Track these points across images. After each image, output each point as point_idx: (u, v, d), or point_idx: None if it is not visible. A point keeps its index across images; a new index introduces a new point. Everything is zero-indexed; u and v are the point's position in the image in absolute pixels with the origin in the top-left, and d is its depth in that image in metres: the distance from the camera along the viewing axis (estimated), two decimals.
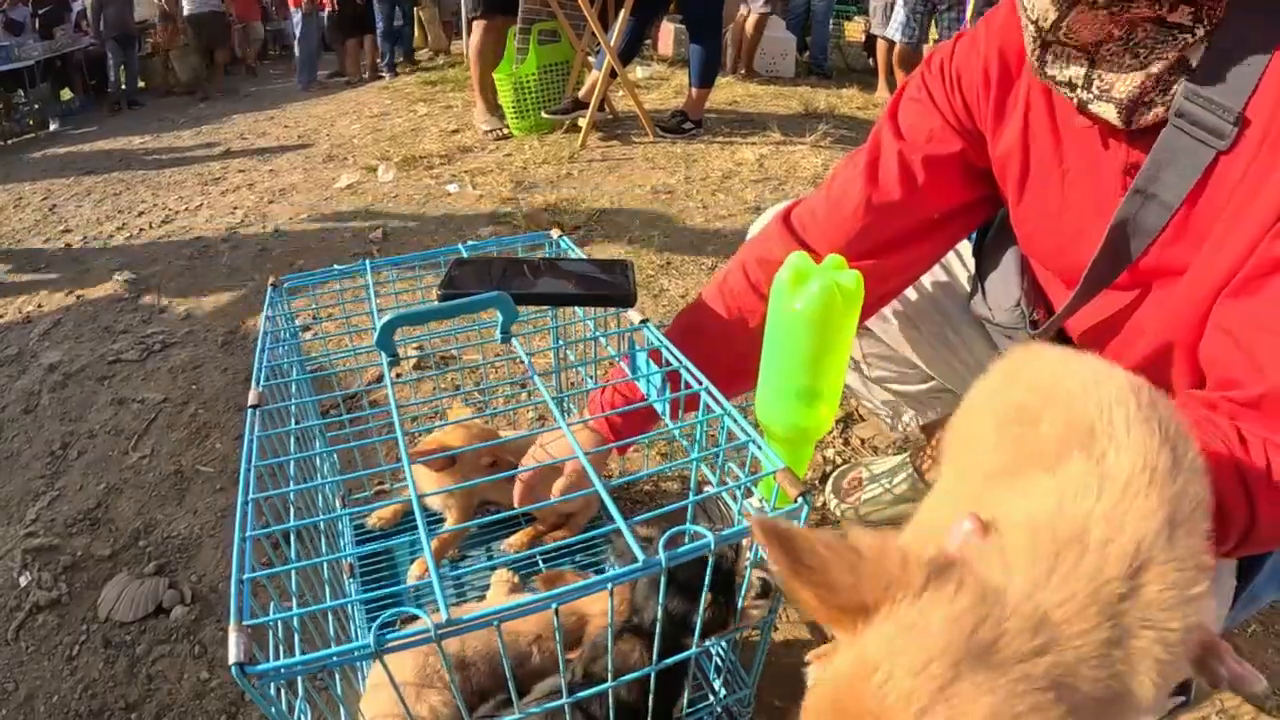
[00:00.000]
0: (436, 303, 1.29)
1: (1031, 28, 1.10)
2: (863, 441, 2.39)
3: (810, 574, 0.61)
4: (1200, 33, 1.00)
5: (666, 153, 5.25)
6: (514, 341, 1.28)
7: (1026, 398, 0.82)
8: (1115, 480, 0.66)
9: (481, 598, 1.71)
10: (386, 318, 1.19)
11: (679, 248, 3.73)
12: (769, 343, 1.24)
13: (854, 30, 11.09)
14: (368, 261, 1.67)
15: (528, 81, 5.61)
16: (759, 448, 1.15)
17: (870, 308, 1.48)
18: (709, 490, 1.35)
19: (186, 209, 4.93)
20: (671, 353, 1.33)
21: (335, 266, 1.70)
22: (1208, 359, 1.07)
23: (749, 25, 8.05)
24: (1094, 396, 0.74)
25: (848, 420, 2.46)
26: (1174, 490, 0.66)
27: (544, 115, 5.61)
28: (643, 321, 1.43)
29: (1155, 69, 1.03)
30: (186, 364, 2.94)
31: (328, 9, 11.43)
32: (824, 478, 2.22)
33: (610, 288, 1.43)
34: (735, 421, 1.19)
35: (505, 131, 5.77)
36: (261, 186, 5.24)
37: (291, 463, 1.25)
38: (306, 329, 2.18)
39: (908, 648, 0.56)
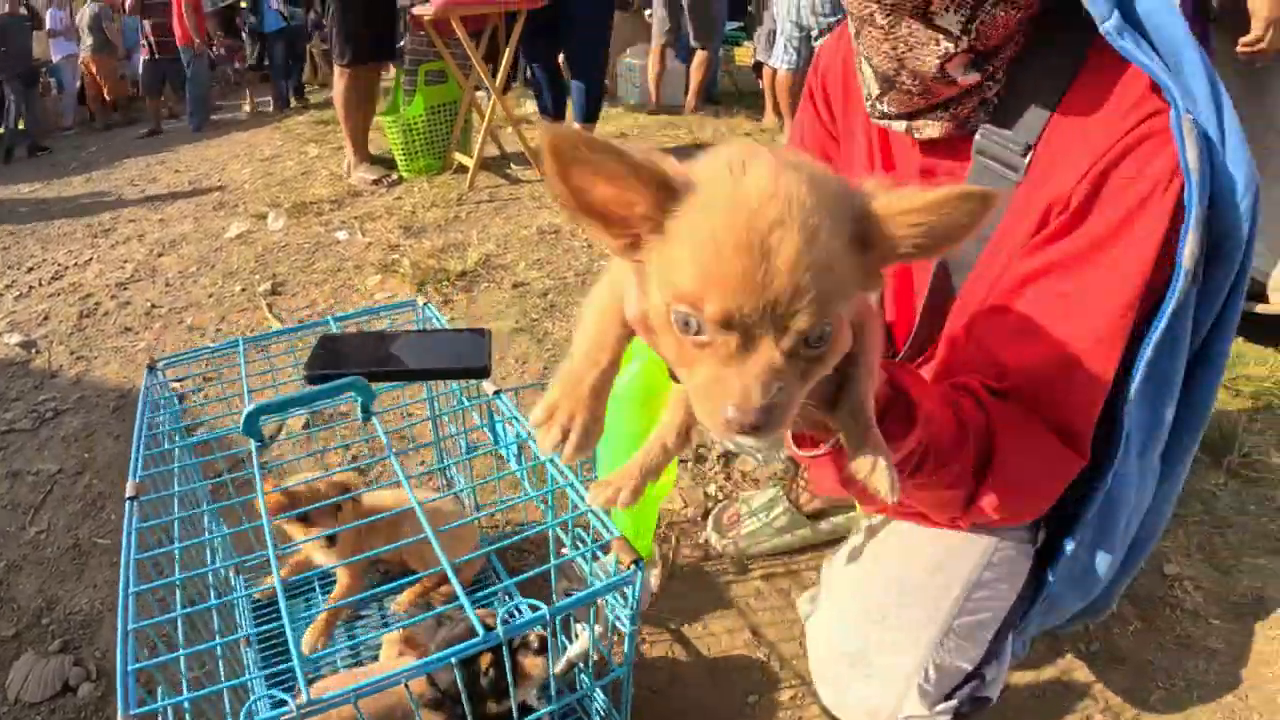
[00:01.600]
0: (296, 392, 1.37)
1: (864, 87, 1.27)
2: (743, 475, 2.48)
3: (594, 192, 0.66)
4: (993, 89, 1.17)
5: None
6: (374, 420, 1.37)
7: None
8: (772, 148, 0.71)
9: (375, 658, 1.77)
10: (249, 408, 1.27)
11: (563, 289, 3.81)
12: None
13: (744, 55, 11.25)
14: (240, 339, 1.73)
15: (416, 123, 5.62)
16: (597, 517, 1.25)
17: None
18: (565, 554, 1.45)
19: (76, 264, 4.89)
20: (521, 423, 1.43)
21: (209, 345, 1.77)
22: (964, 365, 1.20)
23: (652, 60, 8.21)
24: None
25: (729, 455, 2.54)
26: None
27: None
28: (496, 393, 1.52)
29: (960, 114, 1.20)
30: (79, 432, 2.95)
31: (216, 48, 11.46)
32: (706, 514, 2.30)
33: (466, 360, 1.52)
34: (576, 491, 1.29)
35: (390, 178, 5.70)
36: (151, 237, 5.22)
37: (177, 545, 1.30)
38: (183, 399, 2.23)
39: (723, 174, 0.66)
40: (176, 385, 1.83)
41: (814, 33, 6.43)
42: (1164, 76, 1.00)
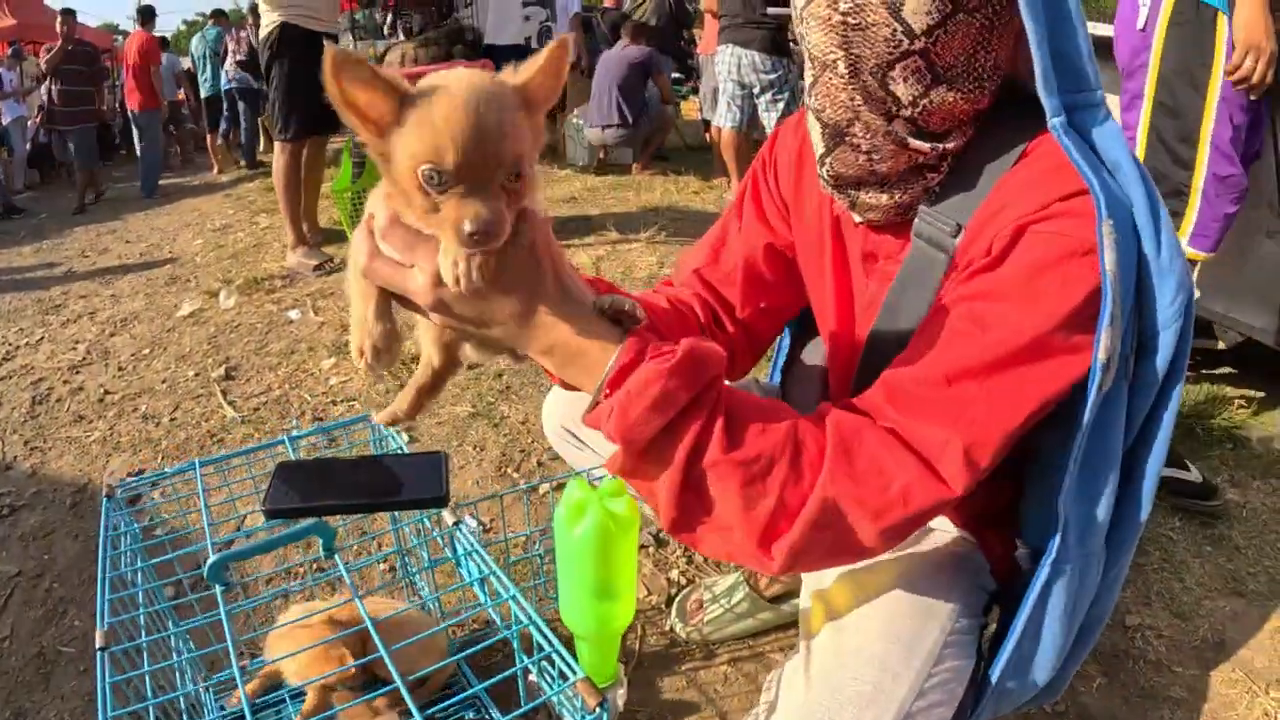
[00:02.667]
0: (259, 541, 1.41)
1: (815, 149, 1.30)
2: (704, 559, 2.52)
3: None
4: (936, 179, 1.22)
5: None
6: (336, 558, 1.43)
7: None
8: None
9: None
10: (212, 559, 1.32)
11: (520, 371, 3.83)
12: (560, 562, 1.41)
13: (690, 108, 11.37)
14: (197, 461, 1.77)
15: (367, 195, 5.58)
16: (560, 657, 1.30)
17: (760, 348, 1.68)
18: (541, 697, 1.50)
19: (28, 343, 4.87)
20: (483, 559, 1.48)
21: (166, 469, 1.80)
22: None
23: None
24: None
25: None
26: None
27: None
28: (455, 524, 1.57)
29: (903, 199, 1.24)
30: (37, 530, 2.94)
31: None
32: (669, 601, 2.32)
33: (423, 488, 1.55)
34: (539, 631, 1.34)
35: (333, 262, 5.53)
36: (103, 315, 5.21)
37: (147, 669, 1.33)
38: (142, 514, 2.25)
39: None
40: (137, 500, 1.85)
41: (755, 89, 6.49)
42: (1092, 179, 1.05)
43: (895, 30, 1.11)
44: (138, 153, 11.11)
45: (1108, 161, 1.11)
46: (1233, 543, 2.67)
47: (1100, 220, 1.03)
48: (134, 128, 11.24)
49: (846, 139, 1.23)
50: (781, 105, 6.49)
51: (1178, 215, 2.75)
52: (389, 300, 1.02)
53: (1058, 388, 1.08)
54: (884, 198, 1.25)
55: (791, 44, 6.51)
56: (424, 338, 1.19)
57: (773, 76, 6.36)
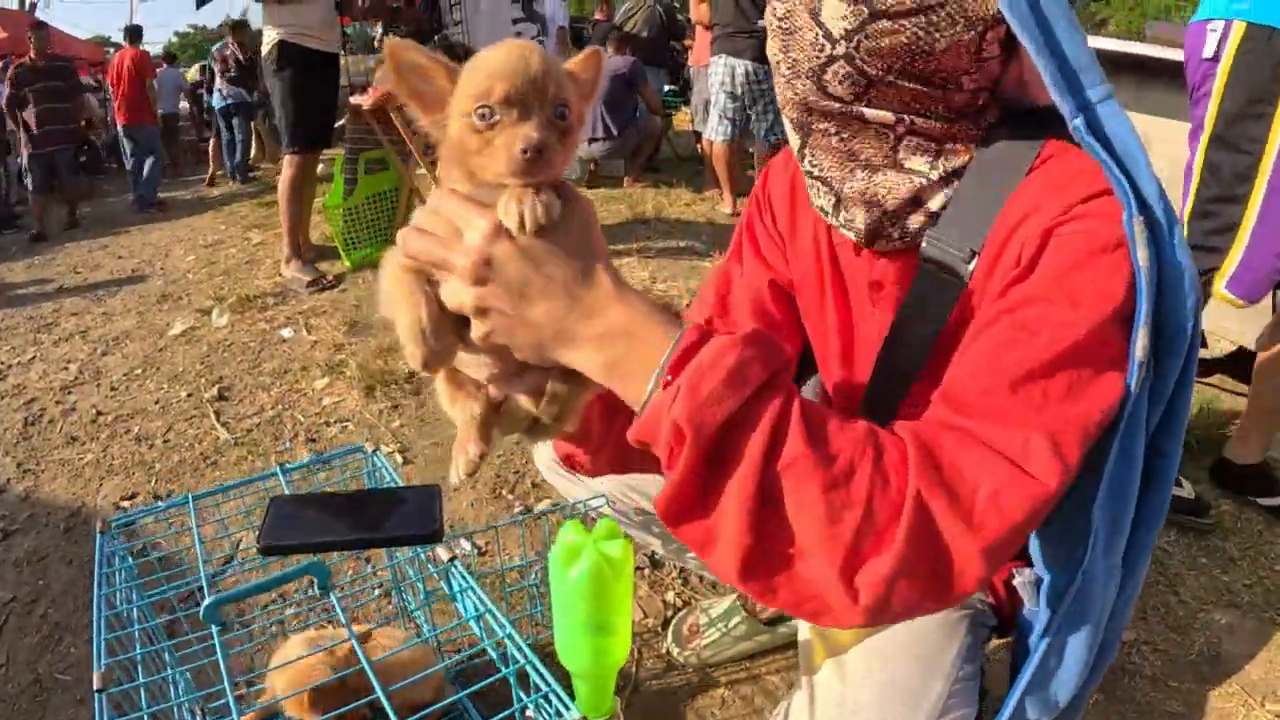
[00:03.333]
0: (255, 581, 1.42)
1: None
2: (700, 579, 2.51)
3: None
4: (935, 176, 1.19)
5: None
6: (331, 597, 1.43)
7: None
8: None
9: None
10: (207, 601, 1.32)
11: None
12: (555, 603, 1.41)
13: (682, 119, 11.40)
14: (190, 495, 1.76)
15: (358, 212, 5.67)
16: (557, 697, 1.32)
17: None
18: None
19: (19, 362, 4.86)
20: (480, 598, 1.49)
21: (161, 500, 1.81)
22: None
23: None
24: None
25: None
26: None
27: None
28: (451, 560, 1.58)
29: (890, 207, 1.21)
30: (31, 555, 2.93)
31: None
32: (665, 624, 2.32)
33: (417, 524, 1.53)
34: (535, 670, 1.36)
35: (326, 279, 5.57)
36: (95, 334, 5.20)
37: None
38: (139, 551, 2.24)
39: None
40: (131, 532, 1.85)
41: (747, 100, 6.51)
42: (1119, 175, 1.03)
43: (817, 34, 1.13)
44: (128, 167, 11.11)
45: (1125, 157, 1.07)
46: (1227, 555, 2.69)
47: (1130, 216, 1.01)
48: (126, 142, 11.20)
49: (812, 127, 1.23)
50: (771, 116, 6.52)
51: (1219, 253, 2.64)
52: (436, 302, 0.98)
53: (1120, 388, 1.03)
54: (895, 231, 1.23)
55: None
56: (449, 394, 1.12)
57: (765, 86, 6.38)
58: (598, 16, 12.56)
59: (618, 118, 8.22)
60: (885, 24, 1.08)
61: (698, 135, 8.31)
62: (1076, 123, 1.06)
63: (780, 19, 1.17)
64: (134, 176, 10.76)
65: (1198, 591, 2.51)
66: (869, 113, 1.17)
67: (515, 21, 5.18)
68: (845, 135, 1.21)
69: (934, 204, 1.20)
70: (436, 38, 5.46)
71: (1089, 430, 1.01)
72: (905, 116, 1.16)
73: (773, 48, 1.21)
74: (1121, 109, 1.08)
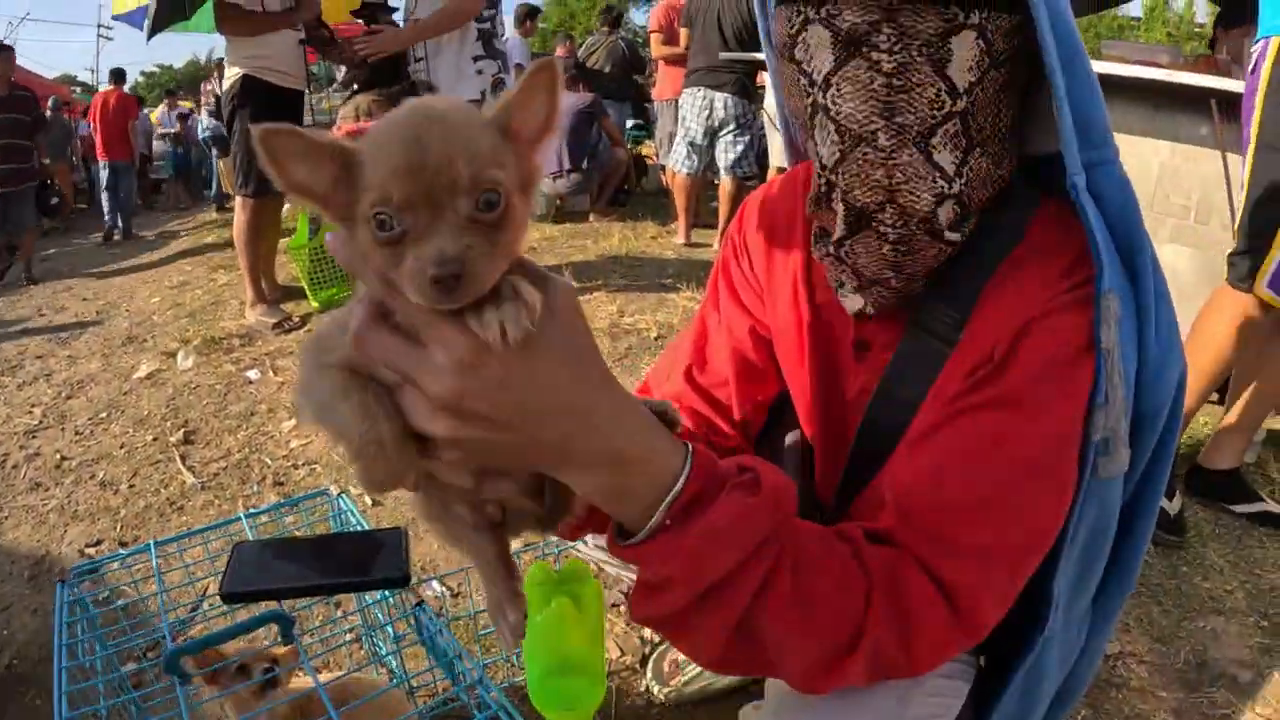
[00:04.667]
0: (218, 630, 1.41)
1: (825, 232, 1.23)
2: None
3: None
4: (958, 245, 1.14)
5: None
6: (297, 644, 1.42)
7: None
8: None
9: None
10: (167, 650, 1.31)
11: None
12: (525, 645, 1.41)
13: (648, 149, 11.46)
14: (152, 542, 1.75)
15: (323, 251, 5.60)
16: None
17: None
18: None
19: None
20: (449, 642, 1.48)
21: (121, 549, 1.79)
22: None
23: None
24: None
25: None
26: None
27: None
28: (418, 604, 1.57)
29: (909, 269, 1.15)
30: None
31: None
32: (644, 660, 2.29)
33: (382, 567, 1.51)
34: (509, 715, 1.34)
35: (291, 320, 5.49)
36: (59, 377, 5.14)
37: None
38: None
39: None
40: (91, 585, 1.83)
41: (718, 131, 6.60)
42: (1102, 249, 1.01)
43: (940, 90, 1.04)
44: (103, 203, 11.47)
45: (1120, 226, 1.06)
46: (1207, 562, 2.71)
47: (1100, 294, 1.00)
48: (107, 176, 11.61)
49: (873, 225, 1.14)
50: (740, 149, 6.60)
51: (1257, 254, 2.69)
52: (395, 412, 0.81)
53: (1075, 493, 1.06)
54: (895, 296, 1.20)
55: (759, 90, 6.61)
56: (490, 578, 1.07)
57: (738, 115, 6.48)
58: (559, 53, 12.64)
59: (580, 153, 8.27)
60: (994, 73, 1.06)
61: (663, 168, 8.35)
62: (1077, 180, 1.03)
63: (890, 74, 1.04)
64: (111, 206, 11.20)
65: (1180, 600, 2.53)
66: (948, 234, 1.12)
67: (476, 59, 5.16)
68: (901, 250, 1.14)
69: (951, 235, 1.15)
70: (401, 77, 5.44)
71: (1030, 567, 1.05)
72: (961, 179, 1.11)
73: (863, 112, 1.06)
74: (1124, 173, 1.07)
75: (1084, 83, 1.04)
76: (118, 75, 12.75)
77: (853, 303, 1.24)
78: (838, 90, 1.07)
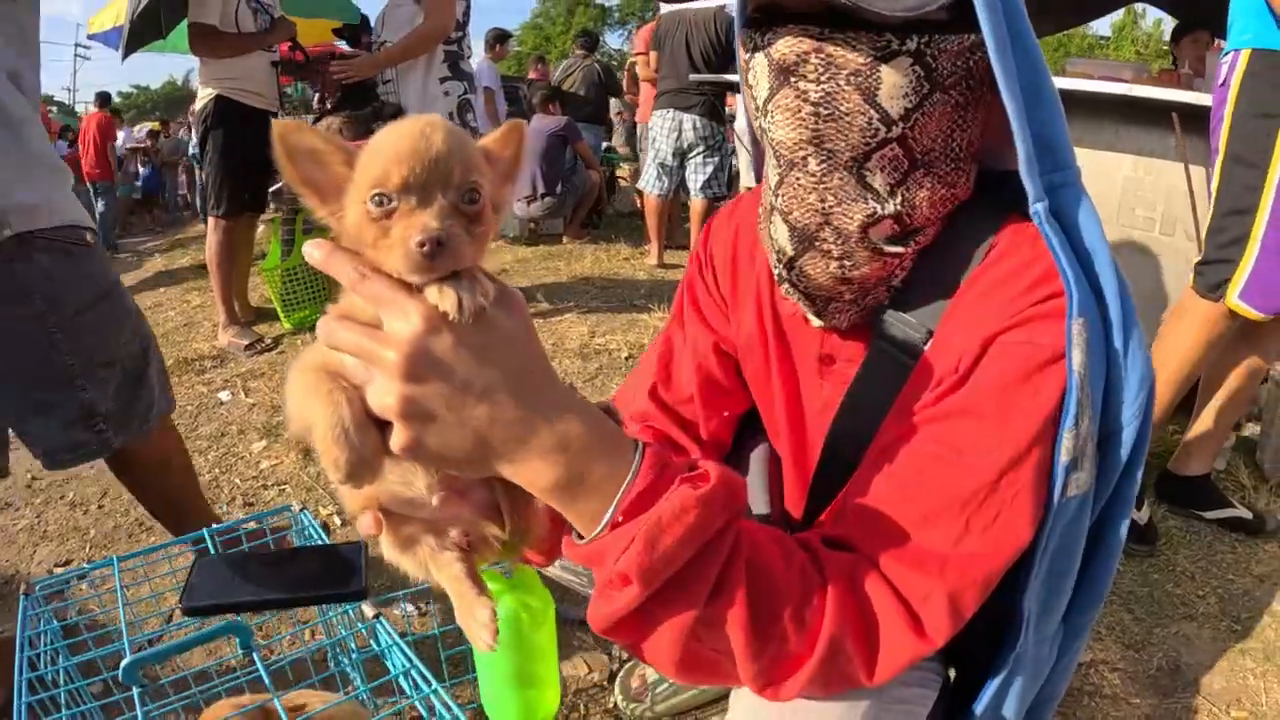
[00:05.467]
0: (175, 641, 1.43)
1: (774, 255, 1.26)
2: None
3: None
4: (900, 276, 1.18)
5: None
6: (255, 656, 1.44)
7: None
8: None
9: None
10: (126, 661, 1.33)
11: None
12: (476, 658, 1.43)
13: (622, 171, 11.52)
14: (115, 558, 1.76)
15: (296, 272, 5.62)
16: None
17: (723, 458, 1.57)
18: None
19: None
20: (406, 655, 1.50)
21: (84, 564, 1.80)
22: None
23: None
24: None
25: None
26: None
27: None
28: (375, 617, 1.59)
29: (855, 279, 1.18)
30: None
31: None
32: (611, 677, 2.30)
33: (342, 581, 1.52)
34: None
35: (264, 342, 5.49)
36: None
37: None
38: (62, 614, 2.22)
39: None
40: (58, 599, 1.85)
41: (687, 152, 6.65)
42: (1069, 273, 1.02)
43: (871, 119, 1.05)
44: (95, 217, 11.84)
45: (1084, 247, 1.08)
46: (1178, 568, 2.76)
47: (1070, 318, 1.02)
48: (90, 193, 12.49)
49: (816, 245, 1.17)
50: (710, 170, 6.67)
51: (1230, 263, 2.72)
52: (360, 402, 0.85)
53: (1032, 526, 1.06)
54: (854, 309, 1.23)
55: (728, 112, 6.67)
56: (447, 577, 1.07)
57: (707, 137, 6.57)
58: (532, 75, 12.72)
59: (553, 176, 8.31)
60: (939, 96, 1.07)
61: (639, 192, 8.40)
62: (1039, 207, 1.06)
63: (816, 104, 1.07)
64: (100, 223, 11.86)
65: (1152, 607, 2.56)
66: (888, 249, 1.15)
67: (443, 80, 5.19)
68: (847, 264, 1.17)
69: (896, 280, 1.20)
70: (371, 98, 5.47)
71: (991, 578, 1.05)
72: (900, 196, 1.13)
73: (793, 139, 1.10)
74: (1086, 194, 1.10)
75: (1048, 105, 1.07)
76: (103, 99, 13.49)
77: (815, 322, 1.28)
78: (772, 117, 1.11)
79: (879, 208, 1.11)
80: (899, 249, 1.15)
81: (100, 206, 12.57)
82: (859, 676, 1.02)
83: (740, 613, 0.94)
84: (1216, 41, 7.25)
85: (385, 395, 0.81)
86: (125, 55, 6.12)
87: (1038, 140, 1.06)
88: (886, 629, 1.02)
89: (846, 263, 1.16)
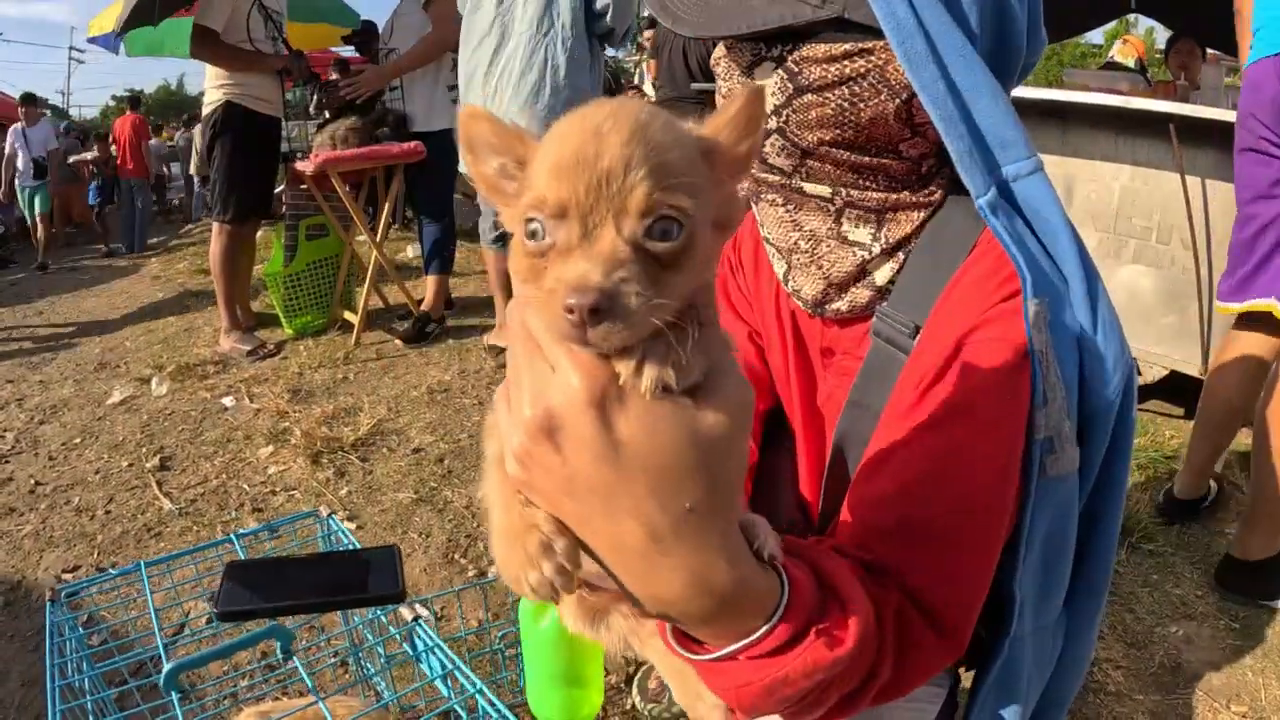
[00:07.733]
0: (216, 646, 1.41)
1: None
2: None
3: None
4: (878, 249, 1.19)
5: (439, 346, 5.40)
6: (294, 660, 1.42)
7: None
8: None
9: None
10: (167, 668, 1.31)
11: (459, 454, 3.85)
12: (526, 653, 1.42)
13: None
14: (142, 562, 1.75)
15: (299, 279, 5.62)
16: None
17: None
18: None
19: None
20: (448, 655, 1.48)
21: (110, 569, 1.78)
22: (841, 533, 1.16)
23: None
24: None
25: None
26: None
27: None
28: (414, 619, 1.57)
29: (835, 279, 1.21)
30: None
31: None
32: (629, 679, 2.30)
33: (377, 586, 1.51)
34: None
35: (267, 348, 5.48)
36: (32, 402, 5.10)
37: None
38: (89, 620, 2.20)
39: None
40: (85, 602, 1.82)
41: None
42: (1018, 256, 1.02)
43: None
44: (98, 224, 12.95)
45: (1045, 232, 1.09)
46: (1178, 569, 2.75)
47: (1026, 299, 1.02)
48: (123, 191, 13.00)
49: (761, 197, 1.28)
50: None
51: None
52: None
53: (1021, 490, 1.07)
54: (816, 275, 1.25)
55: None
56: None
57: None
58: None
59: None
60: (811, 97, 1.11)
61: None
62: (981, 202, 1.06)
63: (724, 96, 1.20)
64: (126, 223, 12.57)
65: (1152, 607, 2.57)
66: (807, 186, 1.20)
67: (451, 88, 5.18)
68: (790, 207, 1.25)
69: (881, 277, 1.21)
70: (377, 105, 5.47)
71: (988, 570, 1.06)
72: (842, 189, 1.18)
73: None
74: (1047, 182, 1.09)
75: (992, 103, 1.07)
76: (134, 101, 14.65)
77: (798, 299, 1.30)
78: None
79: (867, 254, 1.20)
80: (862, 235, 1.20)
81: (139, 204, 12.72)
82: (893, 696, 1.01)
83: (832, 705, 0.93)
84: (1211, 53, 7.31)
85: (511, 437, 0.70)
86: (122, 32, 6.18)
87: (991, 136, 1.07)
88: (923, 652, 1.00)
89: (823, 263, 1.23)
